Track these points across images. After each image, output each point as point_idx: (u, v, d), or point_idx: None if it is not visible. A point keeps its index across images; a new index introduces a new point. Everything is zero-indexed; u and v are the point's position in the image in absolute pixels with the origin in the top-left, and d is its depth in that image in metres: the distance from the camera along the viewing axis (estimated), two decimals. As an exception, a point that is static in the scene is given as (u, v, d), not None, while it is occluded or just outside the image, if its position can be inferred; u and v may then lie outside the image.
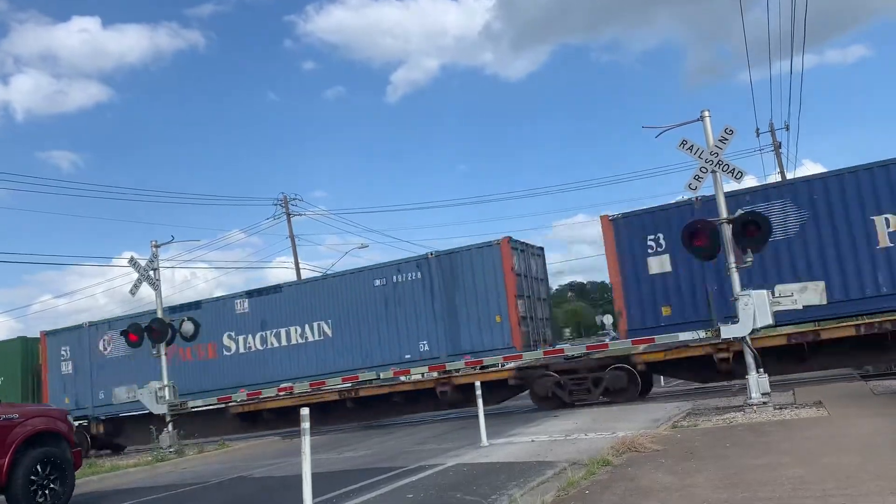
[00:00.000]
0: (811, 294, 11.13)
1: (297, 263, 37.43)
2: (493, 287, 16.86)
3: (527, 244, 18.21)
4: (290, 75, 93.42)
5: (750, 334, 11.23)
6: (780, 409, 10.60)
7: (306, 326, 19.05)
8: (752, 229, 11.20)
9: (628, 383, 15.36)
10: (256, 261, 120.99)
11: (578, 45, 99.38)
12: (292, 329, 19.21)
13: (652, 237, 15.67)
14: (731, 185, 12.67)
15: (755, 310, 10.96)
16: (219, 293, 27.82)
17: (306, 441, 7.11)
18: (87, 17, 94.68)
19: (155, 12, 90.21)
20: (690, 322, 14.68)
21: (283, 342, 19.31)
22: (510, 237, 17.22)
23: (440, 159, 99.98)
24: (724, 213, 11.43)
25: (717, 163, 11.27)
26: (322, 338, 18.82)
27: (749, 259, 11.33)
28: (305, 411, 7.34)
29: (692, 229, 11.64)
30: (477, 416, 11.57)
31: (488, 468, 8.74)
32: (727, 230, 11.30)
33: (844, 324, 14.14)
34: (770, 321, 11.19)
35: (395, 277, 18.09)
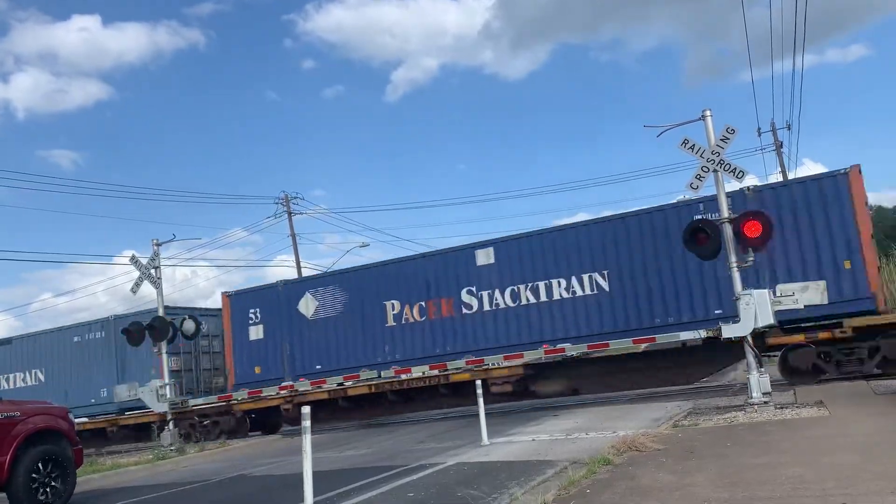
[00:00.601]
0: (812, 293, 11.13)
1: (297, 262, 37.44)
2: (150, 349, 19.51)
3: (194, 308, 22.19)
4: (290, 74, 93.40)
5: (750, 333, 11.22)
6: (781, 408, 10.59)
7: (27, 373, 22.73)
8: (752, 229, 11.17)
9: (237, 425, 18.68)
10: (257, 259, 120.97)
11: (578, 44, 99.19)
12: (19, 375, 22.83)
13: (252, 311, 19.36)
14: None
15: (756, 309, 10.94)
16: (219, 291, 28.34)
17: (307, 439, 7.13)
18: (87, 16, 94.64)
19: (155, 11, 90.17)
20: (272, 379, 18.73)
21: (13, 385, 22.77)
22: (165, 306, 19.93)
23: (440, 158, 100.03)
24: (725, 213, 11.42)
25: (719, 162, 11.24)
26: (37, 383, 22.37)
27: (751, 259, 11.32)
28: (306, 410, 7.36)
29: (694, 228, 11.61)
30: (478, 416, 11.57)
31: (489, 467, 8.74)
32: (728, 230, 11.28)
33: (321, 389, 17.92)
34: (771, 321, 11.18)
35: (87, 335, 21.84)
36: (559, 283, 16.44)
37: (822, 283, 11.51)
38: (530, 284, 16.59)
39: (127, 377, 20.29)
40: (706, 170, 11.31)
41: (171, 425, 17.05)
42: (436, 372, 16.71)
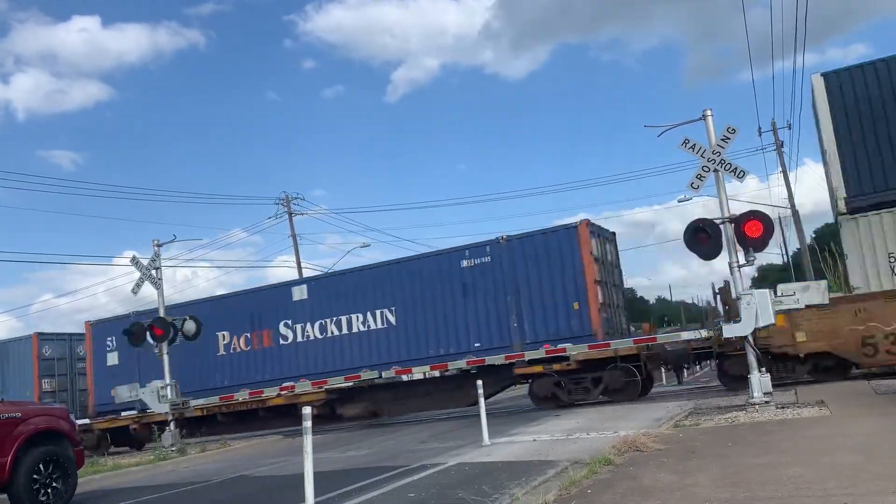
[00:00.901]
0: (813, 293, 11.11)
1: (298, 262, 37.46)
2: (26, 371, 22.56)
3: (66, 333, 24.06)
4: (290, 74, 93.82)
5: (752, 333, 11.21)
6: (782, 408, 10.59)
7: None
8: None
9: (97, 442, 20.54)
10: (258, 260, 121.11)
11: (578, 44, 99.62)
12: None
13: (110, 339, 20.89)
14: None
15: (757, 309, 10.93)
16: (220, 292, 28.58)
17: (308, 440, 7.12)
18: (88, 17, 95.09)
19: (155, 11, 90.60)
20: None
21: None
22: (40, 333, 23.32)
23: (440, 158, 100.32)
24: (726, 213, 11.41)
25: (720, 162, 11.23)
26: None
27: (752, 258, 11.31)
28: (307, 410, 7.35)
29: (695, 228, 11.59)
30: (479, 416, 11.57)
31: (490, 467, 8.74)
32: (729, 230, 11.27)
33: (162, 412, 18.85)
34: (772, 320, 11.17)
35: None
36: (357, 317, 18.57)
37: (823, 283, 11.48)
38: (335, 318, 18.73)
39: (8, 394, 21.69)
40: (707, 169, 11.31)
41: (171, 425, 17.04)
42: (257, 396, 19.14)
